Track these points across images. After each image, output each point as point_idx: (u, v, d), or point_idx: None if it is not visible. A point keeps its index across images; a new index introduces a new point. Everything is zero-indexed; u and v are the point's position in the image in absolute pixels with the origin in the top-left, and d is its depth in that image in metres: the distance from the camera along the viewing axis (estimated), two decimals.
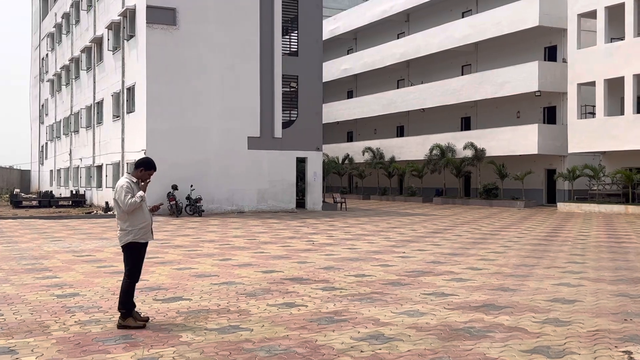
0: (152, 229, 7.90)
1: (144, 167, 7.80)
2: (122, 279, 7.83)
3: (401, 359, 6.27)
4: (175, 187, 29.57)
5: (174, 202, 29.21)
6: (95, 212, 32.60)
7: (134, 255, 7.69)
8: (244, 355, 6.42)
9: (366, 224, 24.65)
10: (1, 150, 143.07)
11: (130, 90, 33.30)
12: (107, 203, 33.00)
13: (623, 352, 6.41)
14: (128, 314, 7.64)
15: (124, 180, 7.75)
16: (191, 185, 29.91)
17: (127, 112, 33.85)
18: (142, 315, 7.91)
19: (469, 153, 41.84)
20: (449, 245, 16.72)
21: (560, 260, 13.67)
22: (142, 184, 7.78)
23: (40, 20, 64.75)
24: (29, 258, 14.35)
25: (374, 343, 6.74)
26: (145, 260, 13.80)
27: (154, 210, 7.82)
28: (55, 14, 55.10)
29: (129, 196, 7.54)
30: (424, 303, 8.88)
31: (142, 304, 9.03)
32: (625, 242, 17.90)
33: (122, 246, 7.70)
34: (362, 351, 6.46)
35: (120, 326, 7.62)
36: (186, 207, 29.74)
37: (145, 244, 7.82)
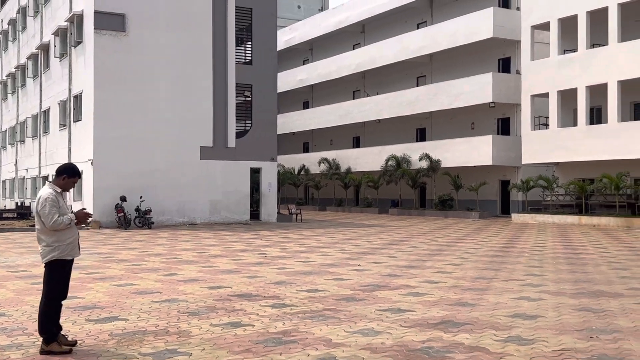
0: (79, 243, 7.15)
1: (67, 175, 7.02)
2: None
3: None
4: (123, 199, 28.54)
5: (122, 214, 28.16)
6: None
7: (58, 273, 6.89)
8: None
9: (321, 236, 24.08)
10: None
11: (78, 98, 32.22)
12: (83, 209, 31.68)
13: None
14: (51, 338, 6.85)
15: (47, 191, 6.94)
16: (140, 197, 28.90)
17: (74, 121, 32.75)
18: (69, 339, 7.11)
19: (424, 164, 41.66)
20: (405, 257, 16.24)
21: (519, 273, 13.29)
22: (85, 215, 7.07)
23: None
24: None
25: None
26: (83, 276, 13.05)
27: (82, 220, 7.05)
28: (2, 20, 53.49)
29: (56, 213, 6.78)
30: (379, 320, 8.30)
31: (73, 324, 8.24)
32: (582, 253, 17.68)
33: (45, 263, 6.93)
34: None
35: (42, 352, 6.82)
36: (135, 219, 28.67)
37: (72, 261, 7.05)
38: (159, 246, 19.79)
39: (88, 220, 7.35)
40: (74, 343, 7.10)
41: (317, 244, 20.65)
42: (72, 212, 7.10)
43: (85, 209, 7.17)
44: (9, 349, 7.03)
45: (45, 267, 6.98)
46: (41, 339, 6.89)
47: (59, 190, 7.03)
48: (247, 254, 17.17)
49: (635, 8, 30.96)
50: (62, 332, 7.18)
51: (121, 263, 15.09)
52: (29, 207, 38.54)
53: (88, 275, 12.88)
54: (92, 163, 29.45)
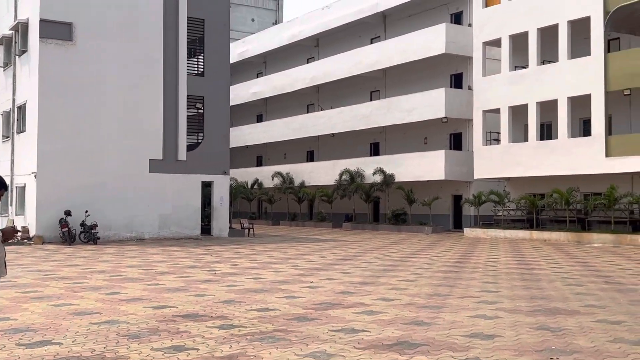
0: (5, 262, 6.57)
1: None
2: None
3: None
4: (68, 213, 27.55)
5: (66, 229, 27.17)
6: None
7: None
8: None
9: (274, 251, 23.56)
10: None
11: (22, 108, 31.16)
12: (11, 226, 30.55)
13: None
14: None
15: None
16: (86, 211, 27.91)
17: (18, 132, 31.66)
18: None
19: (378, 178, 41.56)
20: (359, 274, 15.85)
21: (474, 289, 13.03)
22: (12, 232, 6.48)
23: None
24: None
25: None
26: (19, 295, 12.29)
27: (9, 237, 6.48)
28: None
29: None
30: (332, 342, 7.85)
31: (1, 350, 7.61)
32: (535, 268, 17.61)
33: None
34: None
35: None
36: (80, 234, 27.62)
37: None
38: (103, 262, 18.94)
39: (18, 237, 6.78)
40: None
41: (269, 259, 20.12)
42: None
43: (14, 225, 6.61)
44: None
45: None
46: None
47: None
48: (196, 271, 16.53)
49: (584, 25, 31.39)
50: None
51: (61, 281, 14.30)
52: None
53: (24, 295, 12.13)
54: (35, 176, 28.43)
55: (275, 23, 64.75)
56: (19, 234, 6.54)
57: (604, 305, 11.01)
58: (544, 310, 10.38)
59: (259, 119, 58.55)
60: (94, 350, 7.45)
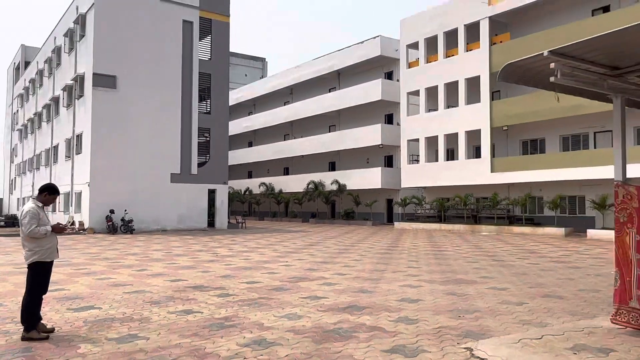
0: (57, 248, 6.18)
1: (48, 192, 6.12)
2: (25, 292, 5.99)
3: None
4: (112, 211, 26.94)
5: (110, 223, 26.54)
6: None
7: (38, 273, 5.91)
8: None
9: (259, 239, 23.19)
10: None
11: (79, 137, 30.29)
12: (58, 223, 29.59)
13: (465, 348, 5.42)
14: (31, 327, 5.85)
15: (30, 205, 5.99)
16: (125, 210, 27.32)
17: (76, 154, 30.74)
18: (47, 327, 6.12)
19: (334, 187, 41.35)
20: (320, 255, 15.59)
21: (402, 266, 12.88)
22: (61, 228, 6.11)
23: (13, 85, 59.42)
24: None
25: (256, 349, 5.38)
26: (73, 271, 11.74)
27: (59, 231, 6.09)
28: (25, 80, 50.50)
29: (34, 224, 5.83)
30: (301, 306, 7.62)
31: (56, 313, 7.19)
32: (444, 250, 17.56)
33: (28, 264, 5.93)
34: (245, 358, 5.09)
35: (23, 338, 5.83)
36: (120, 227, 27.03)
37: (51, 262, 6.06)
38: (136, 247, 18.40)
39: (66, 231, 6.38)
40: (51, 330, 6.12)
41: (255, 245, 19.77)
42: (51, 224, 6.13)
43: (60, 223, 6.19)
44: None
45: (28, 268, 6.01)
46: (22, 327, 5.91)
47: (40, 204, 6.07)
48: (203, 254, 16.11)
49: (476, 81, 31.79)
50: (43, 321, 6.16)
51: (104, 261, 13.81)
52: None
53: (77, 271, 11.64)
54: (88, 185, 27.68)
55: (262, 77, 64.28)
56: (66, 230, 6.16)
57: (493, 276, 10.97)
58: (452, 280, 10.29)
59: (250, 144, 57.89)
60: (125, 313, 7.13)
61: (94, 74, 28.40)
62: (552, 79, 5.64)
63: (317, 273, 11.38)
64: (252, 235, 25.79)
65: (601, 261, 14.22)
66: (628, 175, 6.41)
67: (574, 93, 6.90)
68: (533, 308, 7.48)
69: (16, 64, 57.95)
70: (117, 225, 26.94)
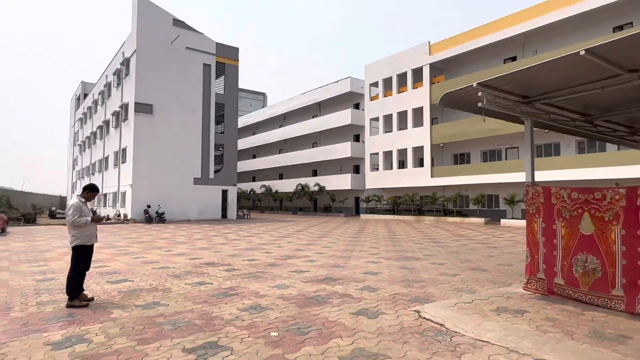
0: (96, 234, 5.78)
1: (89, 190, 5.71)
2: (77, 269, 5.57)
3: (270, 325, 4.62)
4: (148, 206, 26.25)
5: (147, 215, 25.78)
6: (102, 222, 28.18)
7: (80, 254, 5.50)
8: (154, 329, 4.50)
9: (260, 227, 22.75)
10: (52, 185, 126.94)
11: (124, 150, 29.42)
12: (108, 216, 28.74)
13: (414, 311, 5.16)
14: (74, 296, 5.44)
15: (74, 200, 5.59)
16: (158, 205, 26.63)
17: (122, 163, 29.87)
18: (88, 296, 5.71)
19: (316, 188, 40.97)
20: (305, 239, 15.28)
21: (366, 246, 12.62)
22: (99, 219, 5.71)
23: (75, 111, 57.96)
24: (33, 251, 11.22)
25: (252, 313, 5.05)
26: (115, 252, 11.20)
27: (97, 221, 5.70)
28: (84, 107, 49.16)
29: (77, 215, 5.43)
30: (289, 278, 7.29)
31: (97, 285, 6.75)
32: (397, 235, 17.38)
33: (71, 247, 5.53)
34: (243, 320, 4.75)
35: (68, 306, 5.41)
36: (155, 217, 26.24)
37: (91, 245, 5.66)
38: (166, 233, 17.83)
39: (103, 221, 5.96)
40: (91, 299, 5.70)
41: (257, 231, 19.36)
42: (92, 215, 5.72)
43: (97, 214, 5.80)
44: (47, 304, 5.56)
45: (72, 250, 5.59)
46: (67, 297, 5.49)
47: (83, 200, 5.66)
48: (217, 238, 15.64)
49: (420, 110, 31.84)
50: (85, 292, 5.75)
51: (141, 244, 13.27)
52: (95, 211, 34.52)
53: (118, 252, 11.13)
54: (131, 186, 26.88)
55: (263, 106, 63.72)
56: (103, 220, 5.77)
57: (434, 254, 10.76)
58: (403, 257, 10.05)
59: (254, 156, 57.10)
60: (152, 285, 6.72)
61: (136, 103, 27.65)
62: (479, 104, 5.45)
63: (302, 252, 11.07)
64: (255, 224, 25.36)
65: (512, 242, 14.18)
66: (543, 179, 6.26)
67: (496, 116, 6.74)
68: (464, 278, 7.29)
69: (77, 95, 56.55)
70: (152, 217, 26.17)
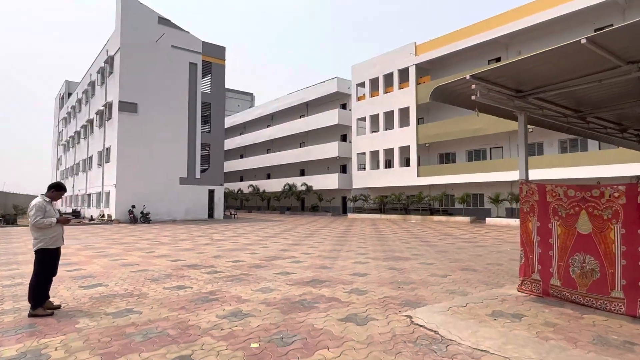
0: (63, 236, 5.24)
1: (55, 189, 5.15)
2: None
3: (251, 335, 4.18)
4: (133, 207, 25.38)
5: (132, 215, 24.92)
6: (84, 221, 27.19)
7: (43, 259, 4.94)
8: (121, 341, 4.00)
9: (246, 227, 22.17)
10: (35, 185, 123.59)
11: (108, 150, 28.49)
12: (91, 216, 27.80)
13: (405, 316, 4.76)
14: (37, 304, 4.89)
15: (38, 200, 5.03)
16: (143, 205, 25.80)
17: (106, 162, 28.94)
18: (54, 304, 5.16)
19: (303, 188, 40.51)
20: (292, 239, 14.80)
21: (354, 246, 12.21)
22: (66, 220, 5.17)
23: (58, 110, 56.37)
24: (7, 254, 10.46)
25: (232, 320, 4.58)
26: (94, 254, 10.56)
27: (64, 222, 5.16)
28: (68, 106, 47.83)
29: (40, 216, 4.89)
30: (273, 281, 6.83)
31: (67, 290, 6.18)
32: (385, 234, 17.04)
33: (34, 251, 4.99)
34: (222, 329, 4.28)
35: (30, 315, 4.85)
36: (140, 218, 25.43)
37: (58, 249, 5.13)
38: (150, 234, 17.10)
39: (70, 222, 5.45)
40: (57, 307, 5.14)
41: (243, 231, 18.78)
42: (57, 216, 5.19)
43: (65, 215, 5.28)
44: (8, 312, 5.01)
45: (35, 254, 5.04)
46: (29, 305, 4.95)
47: (47, 199, 5.11)
48: (201, 238, 15.03)
49: (407, 111, 31.69)
50: (52, 299, 5.21)
51: (122, 245, 12.58)
52: (79, 212, 33.67)
53: (97, 254, 10.49)
54: (115, 186, 26.02)
55: (251, 106, 62.92)
56: (70, 221, 5.23)
57: (422, 253, 10.42)
58: (391, 257, 9.68)
59: (241, 156, 56.33)
60: (127, 290, 6.18)
61: (120, 102, 26.78)
62: (473, 97, 5.11)
63: (289, 253, 10.59)
64: (241, 224, 24.76)
65: (499, 241, 13.97)
66: (542, 177, 5.96)
67: (488, 111, 6.42)
68: (455, 279, 6.94)
69: (61, 95, 54.98)
70: (137, 217, 25.35)
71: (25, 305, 5.21)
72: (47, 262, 4.94)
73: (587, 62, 4.77)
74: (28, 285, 5.12)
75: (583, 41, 4.16)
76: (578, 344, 3.77)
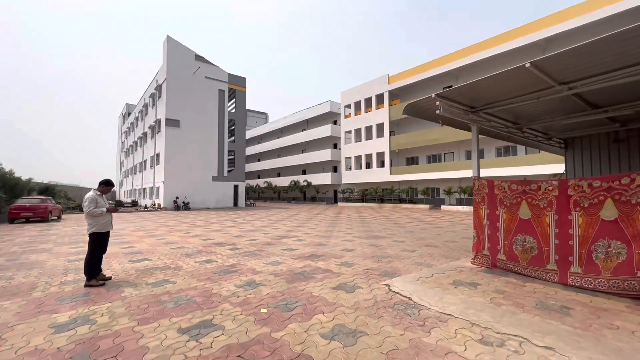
0: (111, 222, 4.87)
1: (104, 185, 4.77)
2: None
3: (261, 301, 3.83)
4: (177, 197, 24.77)
5: (175, 204, 24.42)
6: (140, 209, 26.60)
7: (95, 240, 4.58)
8: (156, 308, 3.64)
9: (262, 213, 21.76)
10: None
11: (158, 155, 27.91)
12: (145, 205, 27.31)
13: (385, 284, 4.43)
14: (91, 277, 4.52)
15: (91, 193, 4.66)
16: (185, 196, 25.31)
17: (156, 165, 28.39)
18: (106, 276, 4.80)
19: (305, 183, 40.08)
20: (296, 222, 14.43)
21: (343, 227, 11.91)
22: (114, 209, 4.77)
23: (121, 126, 55.62)
24: (77, 234, 10.04)
25: (247, 289, 4.24)
26: (144, 234, 10.15)
27: (112, 211, 4.80)
28: (128, 123, 47.08)
29: (93, 206, 4.51)
30: (281, 255, 6.48)
31: (119, 264, 5.78)
32: (366, 218, 16.71)
33: (88, 234, 4.62)
34: (238, 297, 3.94)
35: (86, 285, 4.48)
36: (182, 206, 24.95)
37: (107, 232, 4.76)
38: (188, 219, 16.64)
39: (118, 211, 5.05)
40: (109, 278, 4.77)
41: (259, 216, 18.39)
42: (107, 206, 4.81)
43: (113, 204, 4.91)
44: (68, 284, 4.61)
45: (89, 236, 4.67)
46: (85, 277, 4.58)
47: (99, 193, 4.73)
48: (227, 222, 14.63)
49: (382, 126, 31.30)
50: (105, 272, 4.84)
51: (167, 227, 12.23)
52: (136, 202, 33.04)
53: (147, 234, 10.09)
54: (163, 182, 25.52)
55: (265, 123, 62.22)
56: (117, 211, 4.86)
57: (394, 233, 10.11)
58: (372, 236, 9.35)
59: (258, 160, 55.70)
60: (166, 263, 5.79)
61: (166, 119, 26.23)
62: (437, 111, 4.79)
63: (293, 233, 10.27)
64: (258, 211, 24.37)
65: (452, 223, 13.69)
66: (469, 176, 5.65)
67: (449, 123, 6.09)
68: (422, 254, 6.64)
69: (123, 114, 54.34)
70: (180, 206, 24.88)
71: (84, 277, 4.86)
72: (98, 243, 4.59)
73: (528, 82, 4.46)
74: (84, 261, 4.75)
75: (527, 65, 3.84)
76: (525, 309, 3.48)
